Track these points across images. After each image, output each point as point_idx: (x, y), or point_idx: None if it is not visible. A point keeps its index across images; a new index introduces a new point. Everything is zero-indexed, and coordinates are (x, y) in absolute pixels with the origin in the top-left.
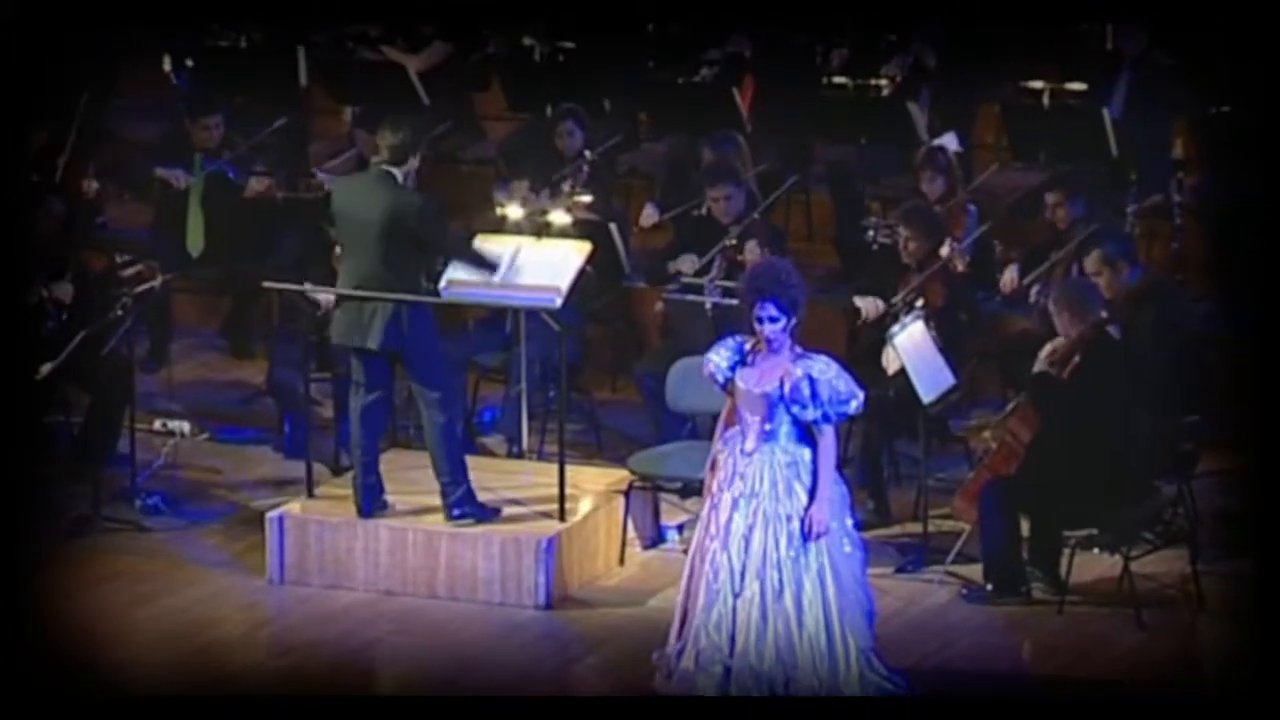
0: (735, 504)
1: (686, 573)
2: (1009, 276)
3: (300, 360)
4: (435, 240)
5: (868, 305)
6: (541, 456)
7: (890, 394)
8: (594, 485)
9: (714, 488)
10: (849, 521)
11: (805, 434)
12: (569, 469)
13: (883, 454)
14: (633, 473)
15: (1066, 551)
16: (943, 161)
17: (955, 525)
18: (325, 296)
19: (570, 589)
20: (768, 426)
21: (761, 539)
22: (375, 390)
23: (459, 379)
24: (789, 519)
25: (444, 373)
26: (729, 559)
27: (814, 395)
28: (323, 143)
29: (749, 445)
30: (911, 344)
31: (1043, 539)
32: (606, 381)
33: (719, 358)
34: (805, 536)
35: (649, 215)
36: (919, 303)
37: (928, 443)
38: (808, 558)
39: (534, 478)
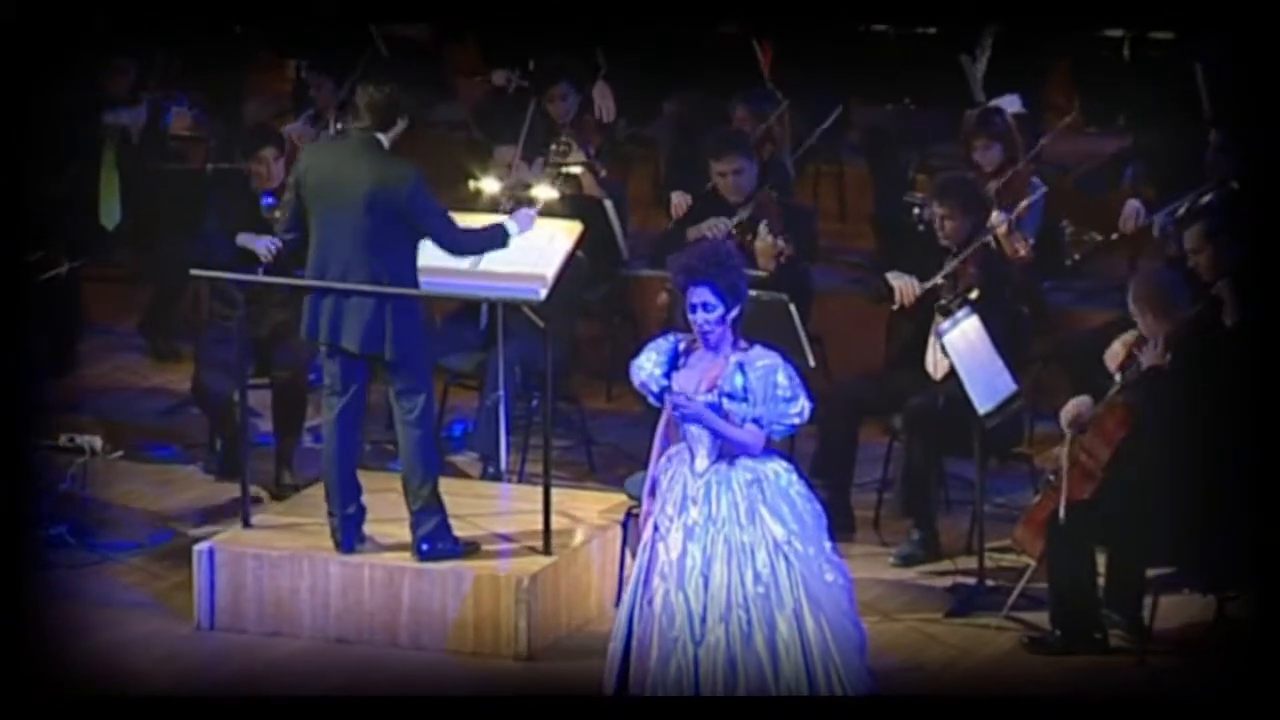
0: (689, 534)
1: (626, 619)
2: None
3: (234, 363)
4: (427, 221)
5: (903, 286)
6: (523, 478)
7: (939, 402)
8: (586, 512)
9: (655, 515)
10: (828, 545)
11: (767, 444)
12: (556, 493)
13: (930, 475)
14: (631, 497)
15: (1150, 592)
16: (1000, 125)
17: (1018, 560)
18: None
19: (557, 635)
20: (719, 440)
21: (723, 575)
22: (348, 392)
23: None
24: (754, 549)
25: (429, 380)
26: (685, 601)
27: (747, 388)
28: (260, 101)
29: (700, 464)
30: (965, 343)
31: (1122, 577)
32: (600, 389)
33: (650, 363)
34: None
35: (679, 204)
36: (973, 295)
37: (984, 461)
38: (780, 593)
39: (514, 503)
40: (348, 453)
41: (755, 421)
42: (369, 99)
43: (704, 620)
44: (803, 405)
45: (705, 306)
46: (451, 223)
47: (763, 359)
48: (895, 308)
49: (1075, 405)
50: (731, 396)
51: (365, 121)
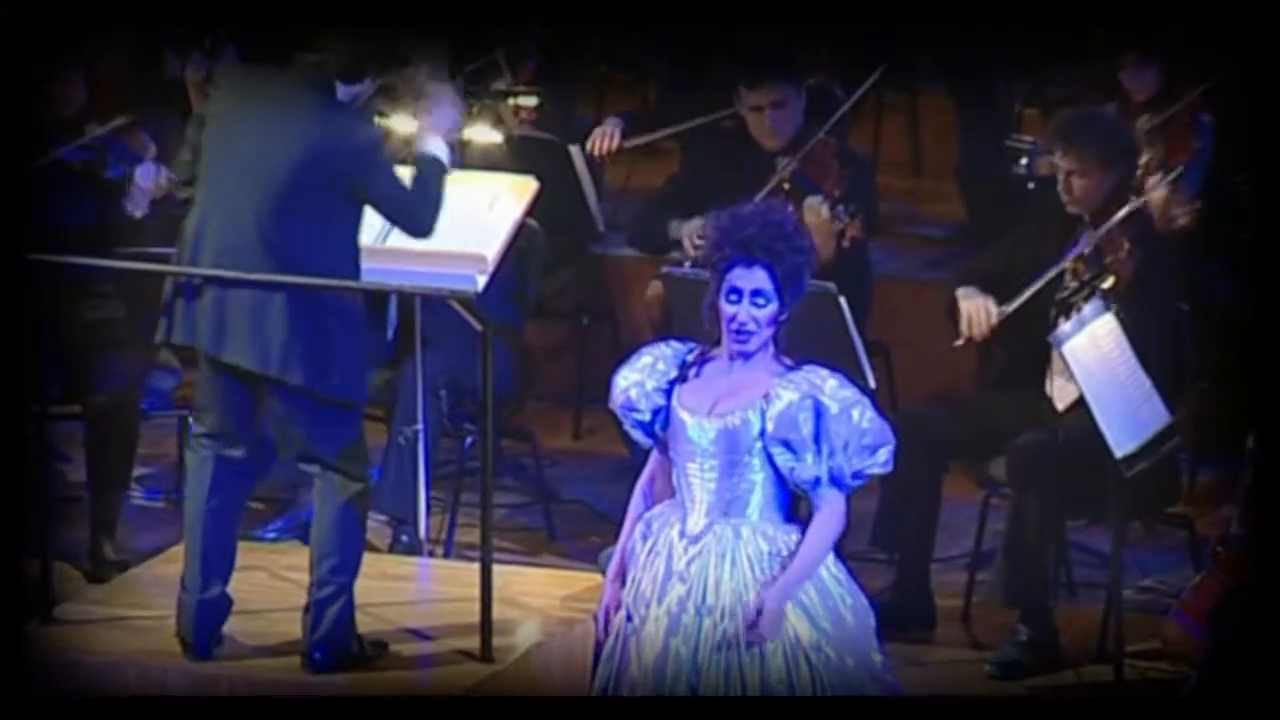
0: (672, 626)
1: None
2: None
3: (33, 384)
4: (383, 195)
5: (973, 309)
6: (450, 551)
7: (1059, 441)
8: (542, 600)
9: (627, 602)
10: (877, 657)
11: (794, 504)
12: (499, 572)
13: (1046, 546)
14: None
15: None
16: (1161, 35)
17: (1172, 669)
18: None
19: None
20: (729, 491)
21: (719, 684)
22: (239, 440)
23: None
24: (764, 654)
25: (359, 418)
26: None
27: (819, 433)
28: None
29: (695, 524)
30: (1096, 355)
31: None
32: (565, 421)
33: (641, 372)
34: (752, 627)
35: (607, 133)
36: (1107, 283)
37: (1124, 526)
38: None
39: (438, 587)
40: (225, 514)
41: (831, 478)
42: (339, 37)
43: None
44: (887, 454)
45: (756, 296)
46: (407, 191)
47: (842, 395)
48: (958, 342)
49: None
50: (795, 448)
51: (320, 58)
